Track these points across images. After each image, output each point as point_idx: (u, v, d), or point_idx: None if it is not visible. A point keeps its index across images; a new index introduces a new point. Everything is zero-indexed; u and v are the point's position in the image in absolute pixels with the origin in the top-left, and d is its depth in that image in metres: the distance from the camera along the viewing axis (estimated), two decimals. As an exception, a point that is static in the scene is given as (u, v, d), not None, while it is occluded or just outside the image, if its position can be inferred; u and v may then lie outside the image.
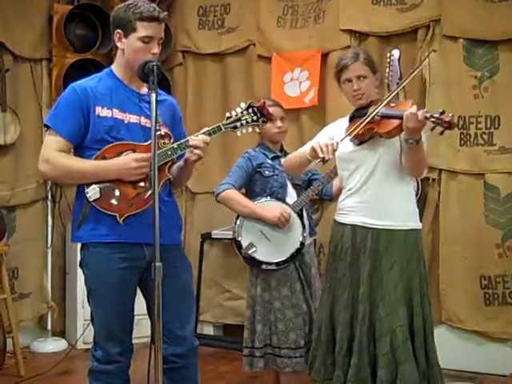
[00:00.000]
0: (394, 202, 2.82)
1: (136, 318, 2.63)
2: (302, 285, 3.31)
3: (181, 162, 2.65)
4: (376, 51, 4.33)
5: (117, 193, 2.50)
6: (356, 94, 2.86)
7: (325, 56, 4.60)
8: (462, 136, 4.20)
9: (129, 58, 2.54)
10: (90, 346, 2.68)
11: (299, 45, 4.72)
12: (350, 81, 2.87)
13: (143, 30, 2.49)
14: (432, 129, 2.63)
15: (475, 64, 4.20)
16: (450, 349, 4.13)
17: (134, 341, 2.63)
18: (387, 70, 3.01)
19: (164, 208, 2.52)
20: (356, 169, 2.85)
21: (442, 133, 2.62)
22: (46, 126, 2.56)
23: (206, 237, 4.85)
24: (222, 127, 2.59)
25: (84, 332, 4.57)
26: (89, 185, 2.49)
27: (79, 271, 2.67)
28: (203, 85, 5.12)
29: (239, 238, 3.30)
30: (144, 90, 2.58)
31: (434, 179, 4.29)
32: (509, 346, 4.15)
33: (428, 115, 2.56)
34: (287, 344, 3.25)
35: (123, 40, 2.54)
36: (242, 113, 2.61)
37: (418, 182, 4.13)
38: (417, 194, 4.15)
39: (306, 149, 2.91)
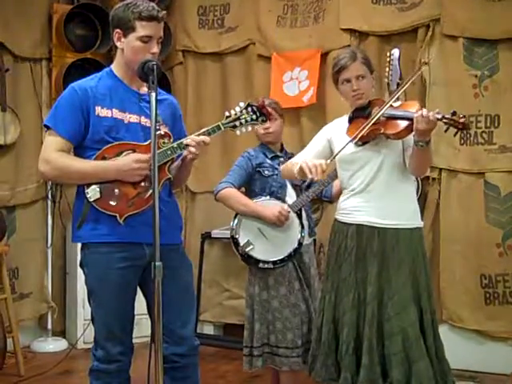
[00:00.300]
0: (398, 201, 2.82)
1: (136, 317, 2.63)
2: (300, 284, 3.31)
3: (179, 161, 2.65)
4: (376, 50, 4.33)
5: (117, 193, 2.50)
6: (356, 93, 2.85)
7: (325, 55, 4.60)
8: (462, 135, 4.20)
9: (128, 58, 2.54)
10: (90, 346, 2.68)
11: (299, 44, 4.71)
12: (348, 81, 2.86)
13: (142, 29, 2.49)
14: (445, 130, 2.62)
15: (475, 63, 4.20)
16: (451, 348, 4.07)
17: (134, 340, 2.63)
18: (387, 70, 3.00)
19: (164, 208, 2.52)
20: (359, 169, 2.84)
21: (456, 134, 2.62)
22: (45, 126, 2.56)
23: (206, 236, 4.85)
24: (222, 126, 2.59)
25: (84, 332, 4.58)
26: (89, 185, 2.49)
27: (79, 271, 2.67)
28: (203, 84, 5.12)
29: (237, 236, 3.30)
30: (144, 89, 2.58)
31: (434, 178, 4.29)
32: (509, 345, 4.15)
33: (440, 116, 2.55)
34: (284, 343, 3.25)
35: (122, 39, 2.54)
36: (241, 112, 2.61)
37: (418, 182, 4.12)
38: (417, 193, 4.15)
39: (298, 159, 2.90)
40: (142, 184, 2.52)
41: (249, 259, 3.29)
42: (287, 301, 3.27)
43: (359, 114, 2.86)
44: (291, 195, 3.37)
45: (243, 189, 3.48)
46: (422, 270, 2.81)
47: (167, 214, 2.57)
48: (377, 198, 2.82)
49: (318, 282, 3.41)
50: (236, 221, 3.32)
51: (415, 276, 2.79)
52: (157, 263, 2.15)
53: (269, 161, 3.39)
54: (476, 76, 4.19)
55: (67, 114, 2.51)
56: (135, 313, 2.62)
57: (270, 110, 3.28)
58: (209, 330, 5.08)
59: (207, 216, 4.99)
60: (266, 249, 3.27)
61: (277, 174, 3.35)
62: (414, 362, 2.69)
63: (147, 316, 2.59)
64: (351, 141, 2.77)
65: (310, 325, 3.27)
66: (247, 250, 3.27)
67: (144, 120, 2.57)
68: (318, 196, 3.48)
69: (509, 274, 4.12)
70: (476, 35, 4.17)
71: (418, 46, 4.29)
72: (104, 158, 2.51)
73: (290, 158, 3.28)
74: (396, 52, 3.02)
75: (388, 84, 3.00)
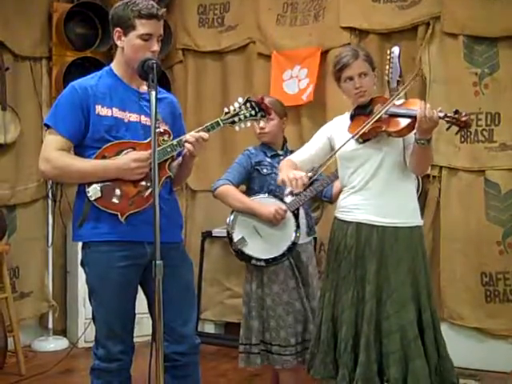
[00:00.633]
0: (398, 199, 2.82)
1: (137, 316, 2.63)
2: (296, 283, 3.30)
3: (179, 159, 2.65)
4: (376, 48, 4.33)
5: (117, 191, 2.50)
6: (358, 91, 2.85)
7: (325, 54, 4.59)
8: (463, 133, 4.19)
9: (129, 56, 2.54)
10: (91, 345, 2.68)
11: (299, 42, 4.71)
12: (351, 79, 2.85)
13: (142, 27, 2.49)
14: (447, 128, 2.62)
15: (475, 61, 4.20)
16: (451, 346, 4.06)
17: (135, 339, 2.63)
18: (387, 67, 3.00)
19: (165, 206, 2.52)
20: (359, 166, 2.85)
21: (457, 132, 2.62)
22: (46, 125, 2.56)
23: (207, 235, 4.85)
24: (221, 122, 2.59)
25: (85, 331, 4.59)
26: (89, 184, 2.49)
27: (80, 270, 2.67)
28: (203, 83, 5.12)
29: (231, 232, 3.31)
30: (144, 88, 2.58)
31: (434, 176, 4.29)
32: (510, 343, 4.15)
33: (442, 115, 2.55)
34: (278, 341, 3.25)
35: (123, 38, 2.54)
36: (240, 108, 2.61)
37: (418, 180, 4.12)
38: (417, 192, 4.15)
39: (298, 154, 2.90)
40: (143, 183, 2.52)
41: (242, 255, 3.31)
42: (280, 299, 3.27)
43: (361, 111, 2.86)
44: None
45: (244, 187, 3.48)
46: (421, 268, 2.81)
47: (168, 212, 2.57)
48: (376, 195, 2.81)
49: (318, 280, 3.41)
50: (232, 217, 3.34)
51: (414, 275, 2.79)
52: (157, 262, 2.15)
53: (268, 159, 3.39)
54: (476, 74, 4.19)
55: (67, 113, 2.51)
56: (136, 312, 2.62)
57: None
58: (210, 328, 5.08)
59: (208, 214, 4.99)
60: (260, 246, 3.27)
61: (275, 173, 3.35)
62: (411, 360, 2.69)
63: (148, 315, 2.59)
64: (353, 137, 2.78)
65: (306, 324, 3.27)
66: (240, 246, 3.28)
67: (144, 119, 2.57)
68: (319, 196, 3.48)
69: (509, 271, 4.11)
70: (476, 33, 4.17)
71: (418, 44, 4.29)
72: (104, 157, 2.51)
73: None
74: (396, 50, 3.02)
75: (388, 82, 3.00)
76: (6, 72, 4.55)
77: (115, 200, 2.50)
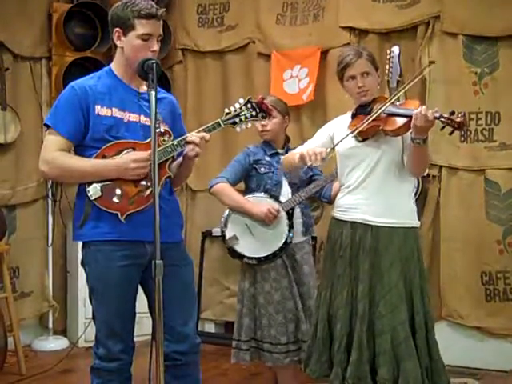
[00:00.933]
0: (394, 199, 2.82)
1: (137, 316, 2.63)
2: (289, 281, 3.31)
3: (180, 159, 2.65)
4: (376, 48, 4.33)
5: (118, 191, 2.50)
6: (360, 90, 2.85)
7: (324, 53, 4.60)
8: (462, 132, 4.20)
9: (128, 56, 2.54)
10: (91, 345, 2.68)
11: (299, 42, 4.72)
12: (353, 78, 2.86)
13: (142, 27, 2.49)
14: (441, 129, 2.63)
15: (475, 60, 4.20)
16: (451, 345, 4.13)
17: (135, 339, 2.63)
18: (387, 67, 3.02)
19: (165, 206, 2.52)
20: (357, 165, 2.85)
21: (451, 133, 2.63)
22: (45, 125, 2.56)
23: (207, 235, 4.86)
24: (222, 123, 2.59)
25: (85, 330, 4.59)
26: (90, 183, 2.49)
27: (80, 269, 2.67)
28: (203, 83, 5.12)
29: (224, 229, 3.35)
30: (143, 88, 2.58)
31: (434, 176, 4.30)
32: (510, 342, 4.15)
33: (438, 115, 2.56)
34: (269, 339, 3.29)
35: (122, 38, 2.53)
36: (240, 108, 2.61)
37: (418, 179, 4.12)
38: (417, 191, 4.15)
39: (299, 150, 2.91)
40: (143, 182, 2.51)
41: (234, 253, 3.35)
42: (271, 298, 3.29)
43: (362, 110, 2.87)
44: (286, 194, 3.37)
45: (243, 185, 3.49)
46: (415, 270, 2.81)
47: (168, 211, 2.57)
48: (372, 194, 2.82)
49: (315, 279, 3.41)
50: (226, 215, 3.38)
51: (408, 276, 2.79)
52: (157, 261, 2.15)
53: (267, 158, 3.40)
54: (476, 73, 4.19)
55: (67, 113, 2.51)
56: (136, 311, 2.62)
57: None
58: (210, 328, 5.09)
59: (208, 214, 4.99)
60: (251, 245, 3.30)
61: (273, 172, 3.36)
62: (401, 361, 2.70)
63: (148, 314, 2.59)
64: (351, 133, 2.79)
65: (298, 323, 3.28)
66: (232, 244, 3.32)
67: (144, 119, 2.57)
68: (317, 197, 3.49)
69: (509, 271, 4.12)
70: (476, 32, 4.17)
71: (418, 44, 4.30)
72: (104, 157, 2.51)
73: None
74: (396, 49, 3.03)
75: (388, 81, 3.01)
76: (6, 72, 4.55)
77: (115, 199, 2.49)
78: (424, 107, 2.58)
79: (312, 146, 2.96)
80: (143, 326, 3.42)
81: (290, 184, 3.39)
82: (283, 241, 3.27)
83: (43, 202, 4.92)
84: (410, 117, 2.64)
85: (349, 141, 2.83)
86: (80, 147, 2.55)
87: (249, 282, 3.35)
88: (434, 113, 2.56)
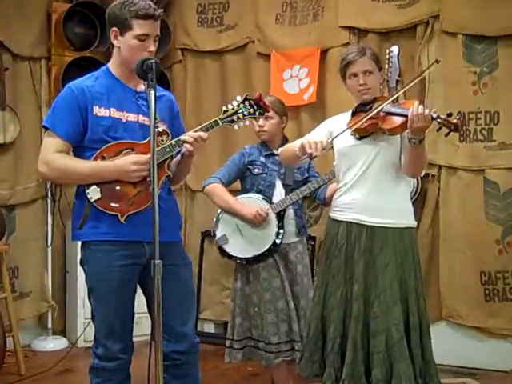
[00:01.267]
0: (389, 199, 2.82)
1: (136, 316, 2.63)
2: (281, 281, 3.31)
3: (178, 157, 2.64)
4: (375, 48, 4.27)
5: (117, 192, 2.50)
6: (362, 88, 2.85)
7: (324, 53, 4.60)
8: (462, 132, 4.20)
9: (125, 56, 2.53)
10: (90, 345, 2.68)
11: (298, 42, 4.72)
12: (355, 75, 2.86)
13: (139, 28, 2.48)
14: (438, 130, 2.63)
15: (474, 60, 4.20)
16: (451, 345, 4.13)
17: (134, 339, 2.63)
18: (386, 67, 3.02)
19: (164, 206, 2.52)
20: (353, 163, 2.85)
21: (447, 134, 2.63)
22: (44, 127, 2.56)
23: (207, 235, 4.85)
24: (219, 121, 2.58)
25: (84, 330, 4.58)
26: (89, 185, 2.49)
27: (79, 270, 2.67)
28: (202, 82, 5.12)
29: (214, 230, 3.39)
30: (141, 87, 2.57)
31: (433, 175, 4.29)
32: (509, 342, 4.15)
33: (435, 116, 2.57)
34: (263, 338, 3.30)
35: (119, 38, 2.53)
36: (238, 106, 2.60)
37: (417, 179, 4.12)
38: (416, 191, 4.16)
39: (298, 142, 2.91)
40: (143, 183, 2.51)
41: (223, 253, 3.38)
42: (262, 297, 3.30)
43: (362, 108, 2.87)
44: (279, 195, 3.36)
45: (240, 185, 3.50)
46: (411, 271, 2.80)
47: (167, 211, 2.56)
48: (367, 194, 2.81)
49: (309, 279, 3.42)
50: (217, 215, 3.42)
51: (403, 277, 2.78)
52: (156, 261, 2.15)
53: (262, 158, 3.40)
54: (475, 73, 4.19)
55: (65, 115, 2.50)
56: (135, 311, 2.62)
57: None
58: (209, 328, 5.08)
59: (207, 214, 4.96)
60: (240, 245, 3.32)
61: (266, 173, 3.37)
62: (395, 361, 2.69)
63: (147, 314, 2.58)
64: (350, 127, 2.79)
65: (291, 323, 3.28)
66: (221, 243, 3.36)
67: (142, 118, 2.56)
68: (313, 198, 3.49)
69: (508, 270, 4.12)
70: (475, 32, 4.17)
71: (417, 43, 4.29)
72: (103, 158, 2.50)
73: None
74: (395, 49, 3.03)
75: (387, 81, 3.01)
76: (6, 72, 4.54)
77: (115, 201, 2.49)
78: (421, 107, 2.59)
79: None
80: (142, 326, 3.42)
81: (284, 185, 3.38)
82: (271, 242, 3.28)
83: (42, 202, 4.91)
84: (406, 116, 2.65)
85: (347, 139, 2.84)
86: (79, 148, 2.55)
87: (241, 281, 3.37)
88: (432, 113, 2.56)
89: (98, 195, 2.49)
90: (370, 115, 2.75)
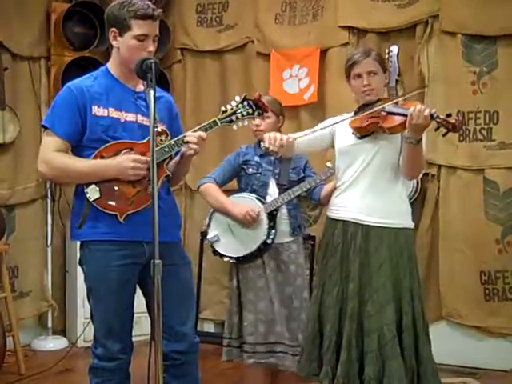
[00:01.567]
0: (386, 199, 2.82)
1: (136, 315, 2.63)
2: (266, 283, 3.31)
3: (177, 157, 2.64)
4: (375, 47, 4.30)
5: (116, 192, 2.50)
6: (366, 89, 2.85)
7: (323, 53, 4.60)
8: (461, 132, 4.20)
9: (124, 56, 2.53)
10: (90, 344, 2.68)
11: (298, 41, 4.72)
12: (359, 76, 2.86)
13: (138, 28, 2.48)
14: (436, 129, 2.64)
15: (474, 59, 4.20)
16: (451, 344, 4.14)
17: (134, 338, 2.63)
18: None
19: (163, 205, 2.52)
20: (352, 162, 2.85)
21: (444, 134, 2.63)
22: (43, 126, 2.56)
23: (206, 234, 4.83)
24: (218, 122, 2.58)
25: (84, 330, 4.58)
26: (88, 184, 2.49)
27: (79, 269, 2.67)
28: (202, 82, 5.12)
29: (206, 229, 3.43)
30: (140, 87, 2.58)
31: (433, 175, 4.30)
32: (509, 341, 4.16)
33: (434, 115, 2.57)
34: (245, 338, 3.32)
35: (118, 38, 2.53)
36: (237, 106, 2.60)
37: (417, 180, 4.12)
38: (416, 191, 4.16)
39: (298, 135, 2.93)
40: (142, 182, 2.51)
41: (215, 252, 3.41)
42: (245, 297, 3.32)
43: (365, 109, 2.87)
44: (272, 195, 3.36)
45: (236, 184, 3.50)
46: (406, 272, 2.79)
47: (166, 211, 2.56)
48: (364, 193, 2.82)
49: (304, 279, 3.42)
50: (210, 214, 3.44)
51: (398, 278, 2.78)
52: (156, 261, 2.15)
53: (257, 158, 3.40)
54: (475, 72, 4.19)
55: (64, 114, 2.50)
56: (134, 311, 2.62)
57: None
58: (209, 327, 5.09)
59: (207, 214, 4.96)
60: (230, 245, 3.34)
61: (260, 173, 3.37)
62: (387, 360, 2.70)
63: (147, 314, 2.58)
64: (346, 119, 2.81)
65: (273, 325, 3.27)
66: (212, 242, 3.38)
67: (141, 118, 2.56)
68: (309, 197, 3.48)
69: (508, 270, 4.12)
70: (475, 31, 4.17)
71: (417, 43, 4.30)
72: (102, 157, 2.50)
73: None
74: (395, 49, 3.03)
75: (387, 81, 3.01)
76: (5, 72, 4.54)
77: (114, 200, 2.49)
78: (420, 106, 2.59)
79: (308, 136, 2.97)
80: (142, 326, 3.42)
81: (279, 185, 3.38)
82: (261, 241, 3.28)
83: (42, 202, 4.91)
84: (406, 115, 2.66)
85: (348, 138, 2.85)
86: (78, 148, 2.55)
87: (235, 280, 3.39)
88: (431, 112, 2.57)
89: (97, 195, 2.49)
90: (371, 111, 2.76)
